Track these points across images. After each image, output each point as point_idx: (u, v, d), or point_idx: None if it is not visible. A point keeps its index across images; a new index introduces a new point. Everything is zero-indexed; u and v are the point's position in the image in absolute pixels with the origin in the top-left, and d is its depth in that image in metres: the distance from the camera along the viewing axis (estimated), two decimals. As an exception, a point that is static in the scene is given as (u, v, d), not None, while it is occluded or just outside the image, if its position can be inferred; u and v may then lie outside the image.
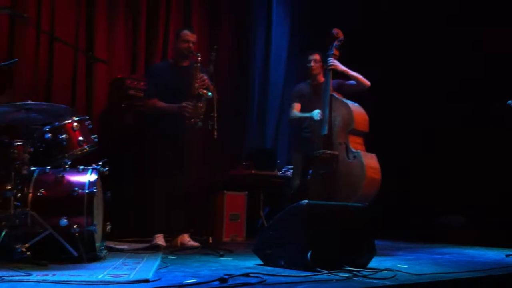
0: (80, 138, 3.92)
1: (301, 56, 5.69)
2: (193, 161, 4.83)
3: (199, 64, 4.73)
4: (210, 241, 4.42)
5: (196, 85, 4.69)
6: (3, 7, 4.99)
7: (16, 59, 4.14)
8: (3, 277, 2.74)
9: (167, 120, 4.74)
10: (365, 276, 3.13)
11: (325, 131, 4.81)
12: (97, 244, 3.73)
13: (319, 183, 4.77)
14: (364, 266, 3.49)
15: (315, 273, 3.17)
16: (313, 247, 3.32)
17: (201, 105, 4.70)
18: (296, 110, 5.17)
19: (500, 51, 5.94)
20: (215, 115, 4.42)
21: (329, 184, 4.69)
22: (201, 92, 4.68)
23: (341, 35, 5.04)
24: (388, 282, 2.95)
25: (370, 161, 4.74)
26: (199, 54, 4.76)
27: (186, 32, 4.92)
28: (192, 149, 4.82)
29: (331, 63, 4.94)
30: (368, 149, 4.84)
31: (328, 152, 4.74)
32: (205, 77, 4.74)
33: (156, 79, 4.89)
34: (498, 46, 5.96)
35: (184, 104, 4.66)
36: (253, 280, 2.87)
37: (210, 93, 4.66)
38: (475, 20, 6.10)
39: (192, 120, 4.67)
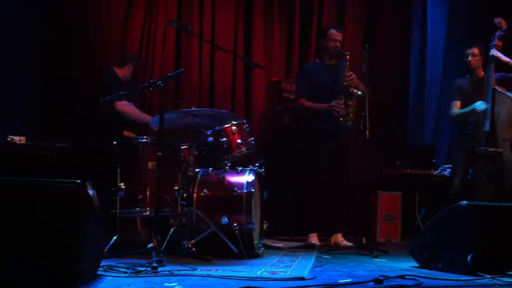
0: (239, 140, 4.14)
1: (460, 49, 5.44)
2: (347, 161, 4.85)
3: (347, 63, 4.73)
4: (364, 241, 4.40)
5: (345, 83, 4.70)
6: (171, 20, 5.45)
7: (183, 69, 4.50)
8: (172, 271, 3.02)
9: (319, 120, 4.79)
10: (532, 283, 2.93)
11: (487, 127, 4.57)
12: (255, 242, 3.92)
13: (482, 182, 4.55)
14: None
15: (476, 278, 3.03)
16: (474, 250, 3.18)
17: (351, 103, 4.69)
18: (456, 108, 4.98)
19: None
20: (367, 115, 4.39)
21: (493, 183, 4.45)
22: (351, 90, 4.67)
23: (504, 25, 4.74)
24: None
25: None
26: (347, 53, 4.76)
27: (333, 31, 4.92)
28: (346, 149, 4.84)
29: (493, 54, 4.67)
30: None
31: (491, 149, 4.50)
32: (354, 75, 4.73)
33: (305, 79, 4.96)
34: None
35: (333, 103, 4.67)
36: (409, 283, 2.83)
37: (359, 92, 4.64)
38: None
39: (341, 119, 4.67)
